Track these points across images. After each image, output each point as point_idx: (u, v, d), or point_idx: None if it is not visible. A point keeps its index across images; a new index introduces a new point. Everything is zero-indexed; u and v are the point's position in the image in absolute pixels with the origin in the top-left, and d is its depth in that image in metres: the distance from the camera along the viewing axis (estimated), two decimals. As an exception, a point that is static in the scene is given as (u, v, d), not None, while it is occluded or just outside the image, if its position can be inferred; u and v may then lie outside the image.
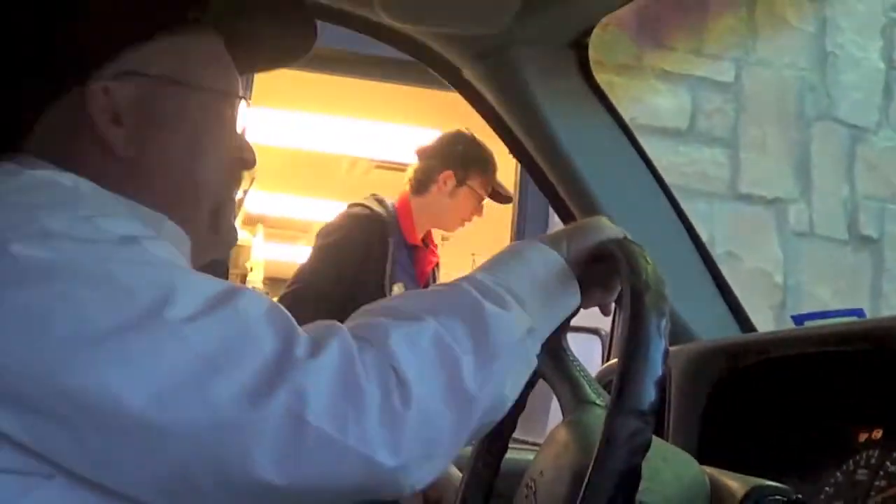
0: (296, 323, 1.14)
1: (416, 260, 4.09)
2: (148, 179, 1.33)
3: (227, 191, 1.44)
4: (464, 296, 1.23)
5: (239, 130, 1.46)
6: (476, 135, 3.90)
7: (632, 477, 1.07)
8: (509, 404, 1.24)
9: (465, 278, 1.28)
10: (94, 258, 1.10)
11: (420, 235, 4.09)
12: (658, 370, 1.08)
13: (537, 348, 1.28)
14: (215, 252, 1.47)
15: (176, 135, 1.35)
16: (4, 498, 1.07)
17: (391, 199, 4.04)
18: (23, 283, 1.06)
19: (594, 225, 1.38)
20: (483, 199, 4.13)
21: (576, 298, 1.34)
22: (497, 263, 1.32)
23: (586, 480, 1.07)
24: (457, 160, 4.03)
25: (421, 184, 4.10)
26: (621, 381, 1.09)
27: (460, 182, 4.01)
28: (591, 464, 1.07)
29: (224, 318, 1.09)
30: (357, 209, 3.99)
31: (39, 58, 1.32)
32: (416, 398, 1.11)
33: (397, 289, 3.56)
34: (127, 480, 1.08)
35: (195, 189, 1.37)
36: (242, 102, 1.45)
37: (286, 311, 1.15)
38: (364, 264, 3.83)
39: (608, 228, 1.36)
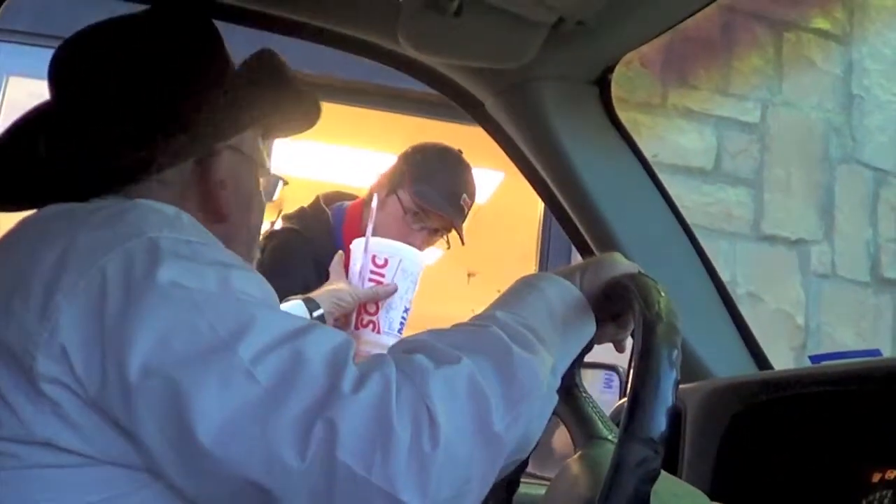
0: (351, 355, 1.20)
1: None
2: (229, 229, 1.56)
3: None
4: (494, 339, 1.26)
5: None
6: (456, 153, 3.44)
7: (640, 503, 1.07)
8: (534, 443, 1.26)
9: (490, 317, 1.31)
10: (194, 278, 1.21)
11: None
12: (668, 400, 1.09)
13: (558, 383, 1.31)
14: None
15: (252, 196, 1.64)
16: (117, 491, 1.19)
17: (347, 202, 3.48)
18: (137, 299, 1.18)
19: (609, 260, 1.42)
20: (408, 214, 3.29)
21: (591, 328, 1.37)
22: (515, 298, 1.36)
23: (596, 505, 1.07)
24: (397, 168, 3.34)
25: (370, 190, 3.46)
26: (631, 410, 1.09)
27: (390, 191, 3.28)
28: (601, 490, 1.08)
29: (288, 356, 1.16)
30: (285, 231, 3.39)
31: (183, 121, 1.50)
32: (444, 439, 1.13)
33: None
34: (196, 493, 1.18)
35: (248, 228, 1.64)
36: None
37: (348, 345, 1.22)
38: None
39: (623, 264, 1.41)
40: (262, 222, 1.71)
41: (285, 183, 1.83)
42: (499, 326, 1.28)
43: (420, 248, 3.20)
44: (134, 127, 1.46)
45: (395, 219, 3.26)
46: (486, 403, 1.18)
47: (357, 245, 2.42)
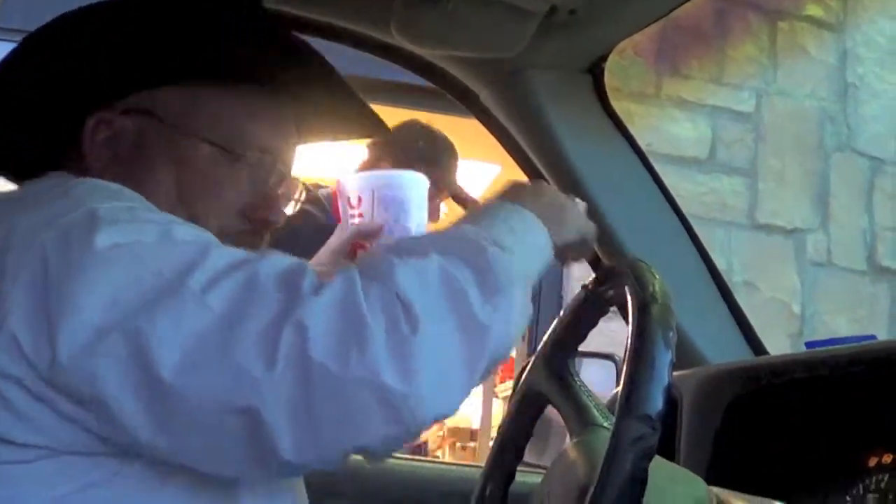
0: (309, 271, 1.15)
1: None
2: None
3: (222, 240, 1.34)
4: (464, 238, 1.23)
5: (260, 187, 1.45)
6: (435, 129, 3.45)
7: (638, 482, 1.08)
8: (513, 344, 1.23)
9: (454, 227, 1.29)
10: (133, 234, 1.14)
11: None
12: (664, 379, 1.09)
13: (529, 294, 1.26)
14: None
15: (162, 176, 1.38)
16: (84, 481, 1.15)
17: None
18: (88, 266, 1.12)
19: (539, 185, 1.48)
20: None
21: (549, 249, 1.34)
22: (475, 219, 1.32)
23: (594, 484, 1.08)
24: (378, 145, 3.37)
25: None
26: (627, 389, 1.10)
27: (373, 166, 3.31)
28: (598, 471, 1.08)
29: (241, 279, 1.12)
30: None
31: (56, 87, 1.40)
32: (424, 323, 1.10)
33: None
34: (160, 445, 1.12)
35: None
36: (265, 158, 1.46)
37: (304, 264, 1.18)
38: None
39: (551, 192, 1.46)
40: (218, 220, 1.40)
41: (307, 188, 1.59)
42: (465, 231, 1.25)
43: None
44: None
45: None
46: (462, 293, 1.14)
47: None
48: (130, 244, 1.13)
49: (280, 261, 1.16)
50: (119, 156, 1.38)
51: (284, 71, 1.48)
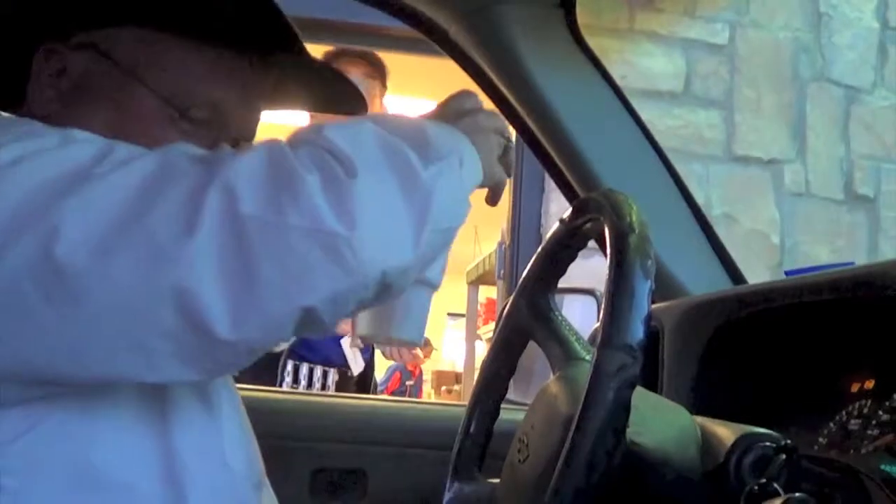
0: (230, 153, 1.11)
1: None
2: None
3: None
4: (401, 118, 1.21)
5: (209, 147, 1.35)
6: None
7: (621, 411, 1.08)
8: (461, 219, 1.20)
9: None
10: (33, 144, 1.09)
11: None
12: (644, 308, 1.09)
13: (469, 189, 1.26)
14: None
15: (98, 118, 1.30)
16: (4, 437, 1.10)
17: None
18: None
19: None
20: None
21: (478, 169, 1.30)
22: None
23: (577, 415, 1.08)
24: None
25: None
26: (608, 318, 1.09)
27: None
28: (582, 402, 1.08)
29: (154, 159, 1.07)
30: None
31: (13, 15, 1.37)
32: (362, 172, 1.06)
33: None
34: (84, 361, 1.04)
35: None
36: (223, 121, 1.39)
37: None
38: None
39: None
40: None
41: None
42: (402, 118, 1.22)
43: None
44: None
45: None
46: (401, 153, 1.11)
47: None
48: (33, 153, 1.07)
49: (195, 147, 1.12)
50: (61, 92, 1.33)
51: (253, 31, 1.42)
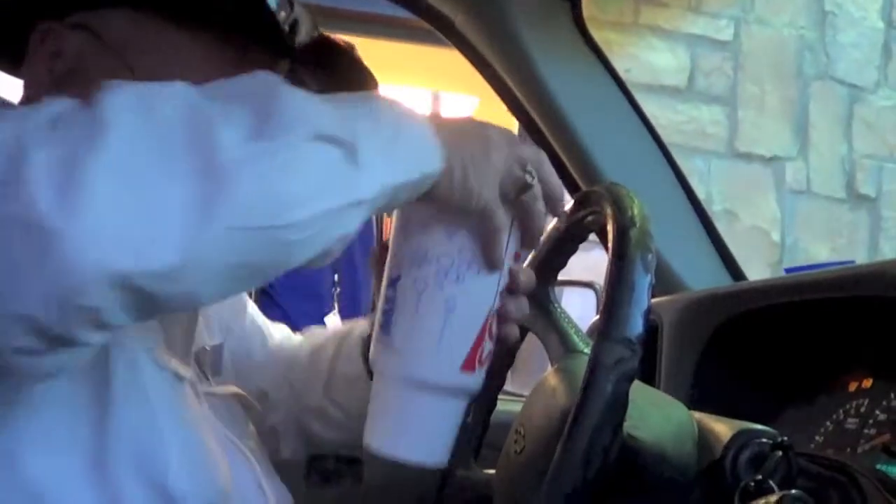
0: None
1: None
2: None
3: None
4: (264, 82, 0.99)
5: None
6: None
7: (619, 404, 1.07)
8: (299, 215, 0.92)
9: None
10: None
11: None
12: (644, 302, 1.08)
13: (371, 188, 0.99)
14: None
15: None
16: None
17: None
18: None
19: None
20: None
21: (436, 161, 1.07)
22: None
23: (574, 407, 1.07)
24: None
25: None
26: (607, 312, 1.09)
27: None
28: (579, 394, 1.08)
29: None
30: None
31: None
32: (116, 143, 0.84)
33: None
34: None
35: None
36: None
37: None
38: None
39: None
40: None
41: None
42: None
43: None
44: None
45: None
46: (200, 123, 0.89)
47: None
48: None
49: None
50: (53, 73, 1.26)
51: (254, 21, 1.29)
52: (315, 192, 0.93)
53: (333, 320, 3.86)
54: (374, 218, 4.13)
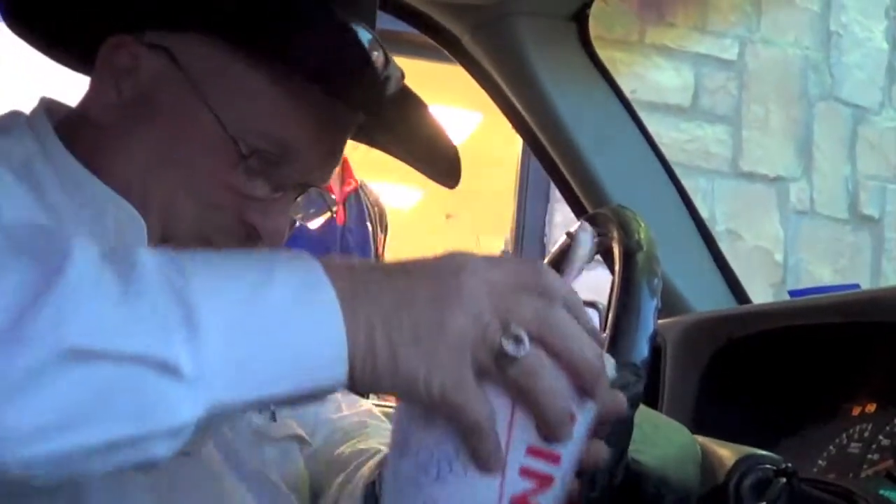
0: None
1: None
2: (114, 158, 1.18)
3: (192, 229, 1.19)
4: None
5: (266, 194, 1.21)
6: None
7: (624, 428, 1.07)
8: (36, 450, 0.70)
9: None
10: None
11: None
12: (650, 327, 1.08)
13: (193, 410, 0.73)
14: None
15: (158, 136, 1.18)
16: None
17: None
18: None
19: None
20: None
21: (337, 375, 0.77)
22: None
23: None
24: None
25: None
26: (613, 336, 1.09)
27: None
28: None
29: None
30: None
31: None
32: None
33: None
34: None
35: (151, 197, 1.17)
36: (281, 160, 1.20)
37: None
38: None
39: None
40: (195, 202, 1.18)
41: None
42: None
43: None
44: None
45: None
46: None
47: None
48: None
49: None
50: (122, 98, 1.20)
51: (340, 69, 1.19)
52: (68, 420, 0.71)
53: None
54: (369, 228, 4.14)
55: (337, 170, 3.99)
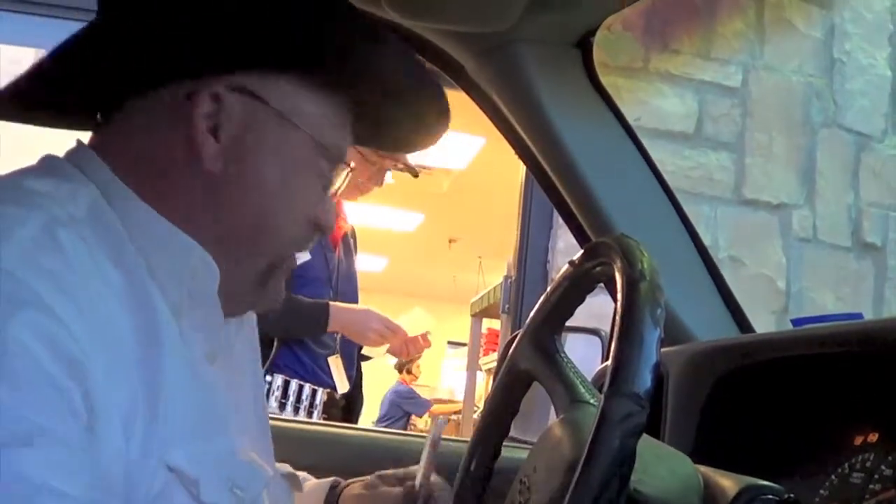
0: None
1: None
2: (222, 204, 1.26)
3: (292, 248, 1.36)
4: None
5: (329, 194, 1.38)
6: None
7: (626, 459, 1.07)
8: None
9: None
10: None
11: None
12: (653, 357, 1.09)
13: None
14: (253, 307, 1.39)
15: (268, 170, 1.27)
16: None
17: None
18: None
19: None
20: (371, 159, 3.86)
21: None
22: None
23: (582, 461, 1.07)
24: None
25: None
26: (616, 366, 1.09)
27: None
28: (586, 448, 1.08)
29: None
30: None
31: (168, 33, 1.23)
32: None
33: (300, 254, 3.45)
34: None
35: (263, 233, 1.29)
36: (344, 169, 1.38)
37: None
38: None
39: None
40: (301, 223, 1.33)
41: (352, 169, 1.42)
42: None
43: None
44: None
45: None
46: None
47: None
48: None
49: (44, 471, 0.95)
50: (222, 145, 1.24)
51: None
52: None
53: (336, 362, 3.87)
54: (354, 260, 4.15)
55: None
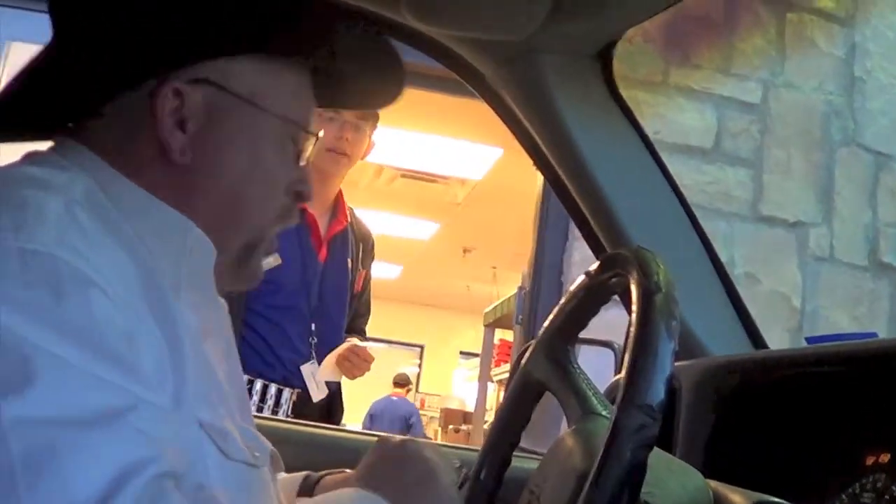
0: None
1: (309, 223, 3.89)
2: (195, 192, 1.30)
3: (271, 226, 1.41)
4: None
5: (302, 164, 1.43)
6: None
7: (637, 470, 1.07)
8: None
9: None
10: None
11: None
12: (667, 369, 1.09)
13: None
14: (234, 285, 1.43)
15: (236, 155, 1.32)
16: None
17: None
18: None
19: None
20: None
21: None
22: None
23: (593, 471, 1.07)
24: None
25: None
26: (630, 378, 1.09)
27: None
28: (597, 459, 1.08)
29: (44, 445, 0.93)
30: None
31: (124, 42, 1.28)
32: None
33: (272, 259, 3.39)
34: None
35: (239, 213, 1.34)
36: (312, 138, 1.42)
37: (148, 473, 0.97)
38: None
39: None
40: (276, 199, 1.39)
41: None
42: None
43: None
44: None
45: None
46: None
47: None
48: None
49: (114, 449, 0.97)
50: (189, 137, 1.29)
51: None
52: None
53: (310, 369, 3.86)
54: (349, 265, 4.13)
55: (327, 206, 4.02)
